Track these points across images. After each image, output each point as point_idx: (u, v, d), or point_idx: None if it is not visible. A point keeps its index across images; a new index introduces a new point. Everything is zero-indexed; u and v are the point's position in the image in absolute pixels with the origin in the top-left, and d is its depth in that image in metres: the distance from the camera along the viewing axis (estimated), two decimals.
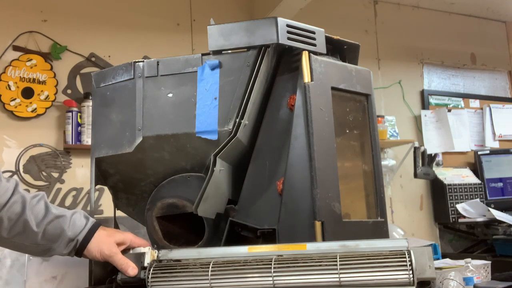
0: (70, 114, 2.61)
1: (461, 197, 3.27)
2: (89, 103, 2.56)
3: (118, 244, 1.08)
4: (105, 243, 1.06)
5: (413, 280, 0.87)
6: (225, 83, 1.16)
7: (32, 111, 2.60)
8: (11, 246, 1.04)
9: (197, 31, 2.99)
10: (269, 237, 1.12)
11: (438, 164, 3.40)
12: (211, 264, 0.99)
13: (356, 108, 1.28)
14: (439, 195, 3.32)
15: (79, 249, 1.06)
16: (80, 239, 1.05)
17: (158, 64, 1.21)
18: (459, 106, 3.69)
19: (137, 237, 1.12)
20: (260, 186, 1.16)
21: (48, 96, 2.64)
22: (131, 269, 1.04)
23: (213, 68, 1.17)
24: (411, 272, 0.88)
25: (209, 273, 0.97)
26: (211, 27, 1.19)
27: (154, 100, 1.19)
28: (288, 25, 1.16)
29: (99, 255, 1.06)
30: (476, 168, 3.45)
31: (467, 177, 3.40)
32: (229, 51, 1.18)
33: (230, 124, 1.12)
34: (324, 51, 1.22)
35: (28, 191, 2.49)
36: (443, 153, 3.48)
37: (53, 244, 1.04)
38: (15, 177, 2.53)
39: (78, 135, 2.61)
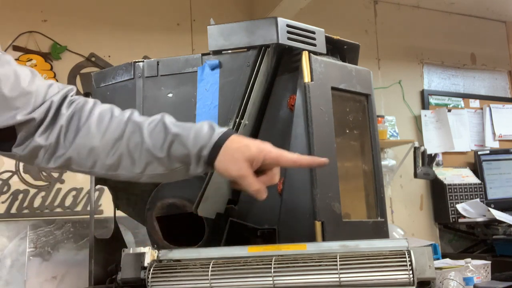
0: None
1: (461, 197, 3.27)
2: None
3: (251, 161, 0.88)
4: (232, 162, 0.87)
5: (413, 280, 0.87)
6: (225, 83, 1.16)
7: None
8: (150, 178, 0.92)
9: (197, 31, 2.99)
10: (269, 237, 1.12)
11: (438, 164, 3.40)
12: (211, 264, 0.99)
13: (356, 108, 1.28)
14: (439, 195, 3.32)
15: (209, 166, 0.89)
16: (206, 156, 0.88)
17: (158, 64, 1.21)
18: (459, 106, 3.69)
19: (275, 149, 0.90)
20: None
21: None
22: (261, 194, 0.89)
23: (213, 68, 1.17)
24: (411, 272, 0.88)
25: (209, 273, 0.97)
26: (211, 27, 1.19)
27: (154, 100, 1.19)
28: (288, 25, 1.16)
29: (227, 174, 0.88)
30: (476, 168, 3.45)
31: (467, 177, 3.40)
32: (229, 51, 1.18)
33: (230, 124, 1.12)
34: (324, 51, 1.22)
35: (28, 191, 2.50)
36: (443, 153, 3.48)
37: (185, 165, 0.89)
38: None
39: None
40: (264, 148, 0.89)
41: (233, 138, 0.89)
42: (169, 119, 0.91)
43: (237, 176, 0.87)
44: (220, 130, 0.89)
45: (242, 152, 0.87)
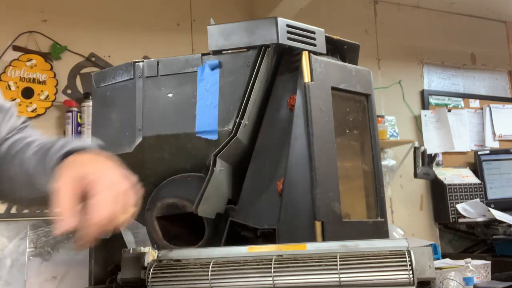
0: (70, 114, 2.60)
1: (461, 197, 3.27)
2: (89, 103, 2.55)
3: (79, 180, 0.68)
4: (59, 176, 0.70)
5: (413, 280, 0.87)
6: (225, 83, 1.16)
7: (32, 111, 2.60)
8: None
9: (197, 31, 2.99)
10: (269, 237, 1.12)
11: (438, 164, 3.40)
12: (211, 264, 0.99)
13: (356, 108, 1.28)
14: (439, 195, 3.32)
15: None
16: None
17: (158, 64, 1.21)
18: (459, 106, 3.69)
19: (103, 182, 0.68)
20: (260, 186, 1.16)
21: (48, 96, 2.63)
22: (61, 224, 0.65)
23: (213, 68, 1.17)
24: (411, 272, 0.88)
25: (209, 273, 0.97)
26: (211, 27, 1.19)
27: (154, 100, 1.19)
28: (288, 25, 1.16)
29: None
30: (476, 168, 3.45)
31: (467, 177, 3.40)
32: (229, 51, 1.18)
33: (230, 124, 1.12)
34: (324, 51, 1.22)
35: None
36: (443, 153, 3.48)
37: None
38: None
39: (78, 135, 2.61)
40: (96, 172, 0.69)
41: (80, 154, 0.76)
42: (60, 142, 0.81)
43: (53, 189, 0.69)
44: (74, 145, 0.78)
45: (73, 167, 0.71)
